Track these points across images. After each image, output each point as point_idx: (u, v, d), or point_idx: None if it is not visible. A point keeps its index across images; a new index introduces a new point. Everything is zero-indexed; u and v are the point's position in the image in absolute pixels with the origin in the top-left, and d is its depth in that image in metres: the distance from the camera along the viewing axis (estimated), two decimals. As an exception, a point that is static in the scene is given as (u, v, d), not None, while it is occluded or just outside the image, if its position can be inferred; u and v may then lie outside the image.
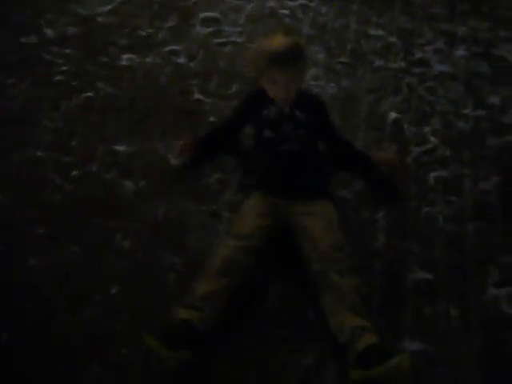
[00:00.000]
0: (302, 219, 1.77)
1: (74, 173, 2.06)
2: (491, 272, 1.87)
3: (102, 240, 1.88)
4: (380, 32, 2.66)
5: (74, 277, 1.78)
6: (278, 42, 1.72)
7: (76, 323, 1.66)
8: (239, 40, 2.56)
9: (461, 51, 2.60)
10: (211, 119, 2.23)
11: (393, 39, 2.62)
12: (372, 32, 2.65)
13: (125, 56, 2.47)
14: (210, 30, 2.60)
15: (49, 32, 2.60)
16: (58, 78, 2.41)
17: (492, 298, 1.81)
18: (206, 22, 2.64)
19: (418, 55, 2.56)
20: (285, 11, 2.72)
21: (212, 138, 2.07)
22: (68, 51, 2.50)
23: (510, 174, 2.15)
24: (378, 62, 2.51)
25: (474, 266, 1.88)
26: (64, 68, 2.44)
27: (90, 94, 2.32)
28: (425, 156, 2.18)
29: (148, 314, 1.70)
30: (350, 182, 2.07)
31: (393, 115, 2.29)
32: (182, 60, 2.46)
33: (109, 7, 2.68)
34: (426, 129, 2.26)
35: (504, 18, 2.79)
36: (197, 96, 2.31)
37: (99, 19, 2.62)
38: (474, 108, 2.36)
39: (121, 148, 2.13)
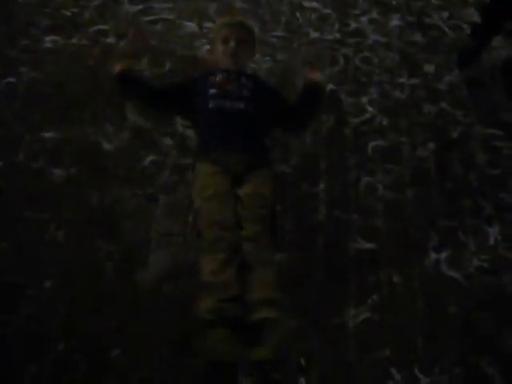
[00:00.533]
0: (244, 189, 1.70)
1: (-1, 164, 1.93)
2: (431, 237, 1.90)
3: (34, 233, 1.78)
4: (314, 4, 2.62)
5: (5, 274, 1.67)
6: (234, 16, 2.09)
7: (11, 321, 1.57)
8: (170, 17, 2.46)
9: (395, 21, 2.60)
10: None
11: (327, 10, 2.59)
12: (306, 4, 2.61)
13: (48, 38, 2.32)
14: (140, 7, 2.48)
15: (-36, 15, 2.41)
16: (-23, 64, 2.24)
17: (433, 262, 1.85)
18: (135, -1, 2.52)
19: (353, 26, 2.55)
20: (217, -14, 2.63)
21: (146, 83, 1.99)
22: (-15, 35, 2.33)
23: (445, 140, 2.19)
24: (314, 34, 2.48)
25: (414, 232, 1.91)
26: (-18, 53, 2.27)
27: (12, 79, 2.16)
28: (363, 126, 2.18)
29: (85, 307, 1.63)
30: (288, 156, 2.04)
31: (330, 87, 2.28)
32: (110, 40, 2.34)
33: (28, -14, 2.51)
34: (363, 99, 2.26)
35: (434, -15, 2.82)
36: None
37: (18, -1, 2.46)
38: (410, 76, 2.38)
39: (48, 135, 2.01)
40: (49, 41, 2.32)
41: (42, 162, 1.94)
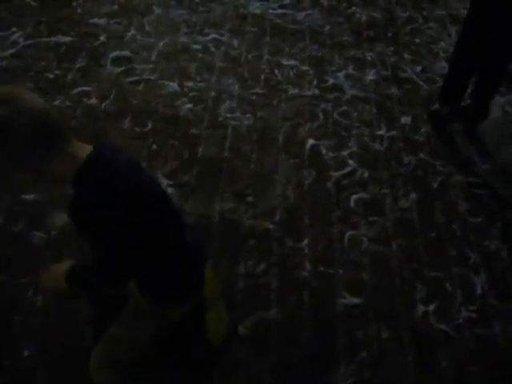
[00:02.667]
0: None
1: (-22, 228, 1.90)
2: (418, 288, 1.88)
3: (12, 298, 1.72)
4: (292, 61, 2.70)
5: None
6: None
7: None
8: (152, 77, 2.51)
9: (371, 75, 2.69)
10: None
11: (305, 67, 2.68)
12: (284, 62, 2.70)
13: (31, 100, 2.34)
14: (122, 68, 2.54)
15: None
16: (-42, 128, 2.24)
17: (421, 314, 1.82)
18: (117, 61, 2.57)
19: (331, 81, 2.62)
20: (197, 46, 2.71)
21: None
22: (-32, 99, 2.35)
23: (426, 190, 2.21)
24: (293, 91, 2.54)
25: (401, 285, 1.89)
26: (-36, 117, 2.28)
27: (-7, 142, 2.17)
28: (344, 179, 2.20)
29: (68, 373, 1.55)
30: (272, 212, 2.04)
31: (310, 142, 2.31)
32: (93, 101, 2.37)
33: (11, 51, 2.56)
34: (344, 152, 2.29)
35: (405, 42, 2.93)
36: (111, 137, 2.22)
37: (2, 63, 2.49)
38: (388, 129, 2.43)
39: (29, 197, 1.99)
40: (31, 103, 2.34)
41: (22, 224, 1.91)
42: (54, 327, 1.66)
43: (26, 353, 1.60)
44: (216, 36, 2.79)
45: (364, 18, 3.05)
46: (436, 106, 2.45)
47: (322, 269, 1.89)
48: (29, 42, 2.63)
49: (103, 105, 2.36)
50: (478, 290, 1.90)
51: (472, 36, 2.19)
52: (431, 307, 1.84)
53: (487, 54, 2.27)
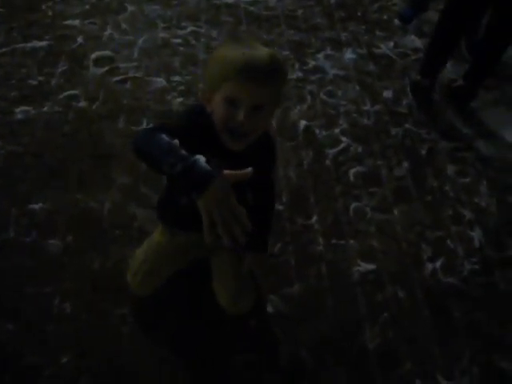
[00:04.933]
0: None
1: (-11, 243, 1.88)
2: (424, 249, 2.02)
3: (40, 309, 1.73)
4: (272, 47, 2.77)
5: (18, 356, 1.61)
6: (260, 52, 1.17)
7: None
8: (138, 75, 2.52)
9: (348, 54, 2.80)
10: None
11: (286, 52, 2.75)
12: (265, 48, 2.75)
13: (18, 109, 2.31)
14: (106, 69, 2.53)
15: None
16: None
17: (430, 271, 1.96)
18: (100, 61, 2.56)
19: (312, 63, 2.71)
20: (177, 40, 2.73)
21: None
22: (-49, 115, 2.29)
23: (416, 157, 2.35)
24: (278, 76, 2.61)
25: (408, 247, 2.02)
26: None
27: (-12, 155, 2.13)
28: (340, 156, 2.30)
29: (109, 376, 1.59)
30: (278, 193, 2.12)
31: (303, 123, 2.40)
32: (83, 104, 2.36)
33: (-11, 61, 2.50)
34: (336, 130, 2.40)
35: (375, 20, 3.06)
36: (108, 138, 2.22)
37: (-19, 75, 2.43)
38: (372, 104, 2.55)
39: (37, 206, 1.98)
40: (20, 112, 2.30)
41: (35, 235, 1.91)
42: (88, 332, 1.68)
43: (64, 360, 1.62)
44: (194, 28, 2.81)
45: (332, -1, 3.15)
46: (415, 78, 2.59)
47: (334, 241, 2.00)
48: (4, 49, 2.57)
49: (94, 107, 2.35)
50: (477, 244, 2.06)
51: (456, 12, 2.31)
52: (438, 264, 1.98)
53: (486, 40, 2.37)
